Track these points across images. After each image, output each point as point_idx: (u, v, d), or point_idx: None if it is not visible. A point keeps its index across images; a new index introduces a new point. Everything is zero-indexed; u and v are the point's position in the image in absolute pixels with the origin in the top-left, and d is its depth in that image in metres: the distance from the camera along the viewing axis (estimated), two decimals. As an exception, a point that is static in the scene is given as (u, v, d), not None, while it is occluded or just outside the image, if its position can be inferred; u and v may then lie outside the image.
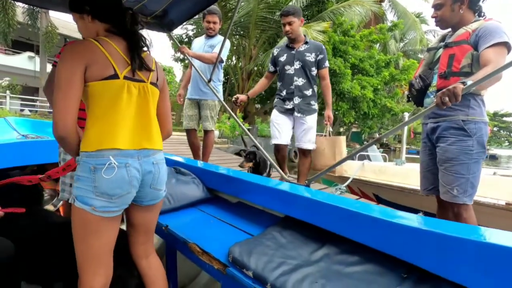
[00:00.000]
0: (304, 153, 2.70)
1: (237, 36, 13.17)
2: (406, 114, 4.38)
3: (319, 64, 2.66)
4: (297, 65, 2.62)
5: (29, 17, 12.79)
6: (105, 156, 0.97)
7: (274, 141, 2.71)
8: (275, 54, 2.74)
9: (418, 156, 2.00)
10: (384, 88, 15.78)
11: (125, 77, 1.02)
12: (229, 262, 1.13)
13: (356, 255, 1.11)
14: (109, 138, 0.99)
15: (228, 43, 2.99)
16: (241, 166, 2.74)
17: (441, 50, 1.77)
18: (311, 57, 2.60)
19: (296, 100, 2.64)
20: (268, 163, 2.83)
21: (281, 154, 2.74)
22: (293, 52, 2.64)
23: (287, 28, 2.54)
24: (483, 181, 1.67)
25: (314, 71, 2.66)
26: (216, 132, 11.20)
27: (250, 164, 2.76)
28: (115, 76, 1.00)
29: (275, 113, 2.76)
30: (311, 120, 2.70)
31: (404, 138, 4.59)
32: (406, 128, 4.75)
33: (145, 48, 1.14)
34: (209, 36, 2.91)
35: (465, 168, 1.57)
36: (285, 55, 2.66)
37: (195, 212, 1.65)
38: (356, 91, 13.22)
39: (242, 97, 2.69)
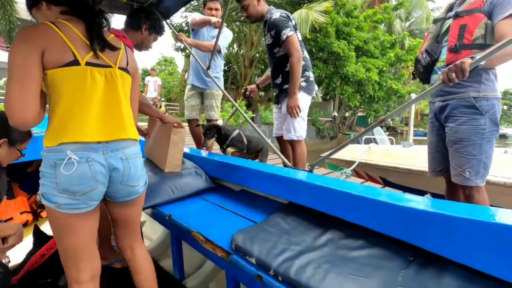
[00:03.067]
0: (291, 144, 2.32)
1: (238, 23, 12.91)
2: (413, 95, 4.25)
3: (277, 41, 2.10)
4: (270, 60, 2.31)
5: (30, 14, 12.69)
6: (64, 151, 0.89)
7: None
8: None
9: (426, 138, 1.94)
10: (390, 70, 15.44)
11: (88, 63, 0.92)
12: (232, 249, 1.12)
13: (361, 239, 1.09)
14: (70, 131, 0.90)
15: (230, 34, 2.92)
16: (205, 146, 2.42)
17: (450, 21, 1.62)
18: (269, 40, 2.17)
19: (276, 91, 2.37)
20: (261, 146, 2.65)
21: (281, 145, 2.51)
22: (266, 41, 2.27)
23: (244, 13, 2.18)
24: (494, 160, 1.61)
25: (280, 53, 2.18)
26: (220, 121, 11.15)
27: (213, 140, 2.41)
28: (75, 62, 0.89)
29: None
30: (286, 106, 2.22)
31: (411, 120, 4.49)
32: (413, 109, 4.64)
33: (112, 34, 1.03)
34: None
35: (478, 148, 1.49)
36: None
37: (199, 201, 1.65)
38: (361, 74, 12.97)
39: (251, 87, 2.50)
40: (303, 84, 2.17)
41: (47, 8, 0.97)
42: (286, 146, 2.42)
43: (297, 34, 2.09)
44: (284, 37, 2.02)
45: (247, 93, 2.50)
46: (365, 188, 1.22)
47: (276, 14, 2.08)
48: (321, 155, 2.29)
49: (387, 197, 1.08)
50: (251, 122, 2.21)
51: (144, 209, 1.53)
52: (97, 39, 0.94)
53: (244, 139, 2.48)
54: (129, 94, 1.09)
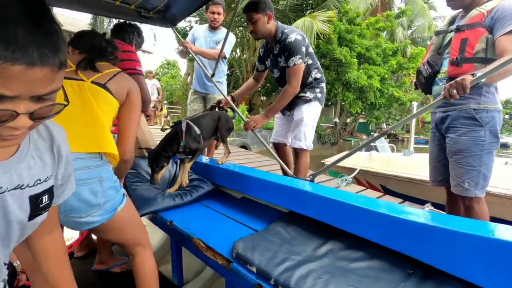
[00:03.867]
0: (297, 152, 2.26)
1: (241, 28, 13.02)
2: (415, 104, 4.28)
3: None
4: (276, 73, 2.20)
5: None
6: None
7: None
8: (261, 55, 2.28)
9: (427, 146, 1.96)
10: (392, 77, 15.50)
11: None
12: (233, 257, 1.13)
13: (361, 251, 1.10)
14: None
15: (233, 38, 2.93)
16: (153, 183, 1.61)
17: (451, 34, 1.65)
18: (282, 62, 2.07)
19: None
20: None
21: (279, 153, 2.44)
22: (271, 56, 2.18)
23: (250, 27, 1.99)
24: (494, 171, 1.62)
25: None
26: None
27: (164, 170, 1.61)
28: None
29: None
30: (299, 112, 2.18)
31: (412, 128, 4.51)
32: (413, 120, 4.67)
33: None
34: (213, 28, 2.87)
35: (477, 159, 1.51)
36: (269, 59, 2.21)
37: (200, 207, 1.66)
38: (362, 80, 13.03)
39: (224, 101, 2.20)
40: (319, 95, 2.19)
41: (72, 51, 1.15)
42: (285, 153, 2.42)
43: (308, 49, 2.05)
44: (292, 64, 1.96)
45: (221, 105, 2.19)
46: (366, 199, 1.22)
47: (292, 36, 1.95)
48: (323, 161, 2.25)
49: (388, 209, 1.09)
50: (255, 132, 2.21)
51: (144, 215, 1.54)
52: (88, 63, 1.06)
53: (195, 129, 1.70)
54: (118, 118, 1.13)
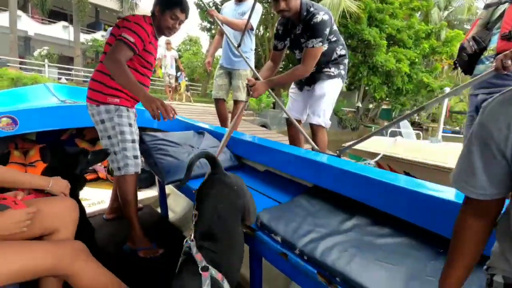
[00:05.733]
0: (314, 129, 2.13)
1: (266, 5, 12.58)
2: (447, 89, 4.03)
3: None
4: (298, 54, 2.06)
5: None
6: None
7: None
8: (280, 33, 2.08)
9: (453, 136, 1.85)
10: (422, 62, 14.65)
11: None
12: (258, 226, 1.14)
13: (389, 227, 1.08)
14: None
15: (260, 8, 2.82)
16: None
17: (505, 6, 1.50)
18: (304, 42, 1.90)
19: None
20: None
21: (291, 129, 2.30)
22: (292, 36, 2.01)
23: (283, 4, 1.75)
24: None
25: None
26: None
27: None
28: None
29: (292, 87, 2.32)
30: (322, 88, 2.05)
31: (442, 115, 4.28)
32: (445, 104, 4.42)
33: None
34: (239, 1, 2.78)
35: None
36: (289, 38, 2.05)
37: (223, 178, 1.68)
38: (390, 64, 12.41)
39: (252, 81, 1.92)
40: (342, 72, 2.10)
41: None
42: (298, 130, 2.20)
43: (332, 27, 1.91)
44: (310, 45, 1.82)
45: (249, 84, 1.93)
46: (396, 176, 1.19)
47: (319, 17, 1.78)
48: (344, 145, 2.10)
49: (419, 186, 1.05)
50: (282, 105, 2.15)
51: (170, 183, 1.59)
52: None
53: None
54: None
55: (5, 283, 0.77)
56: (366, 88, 14.90)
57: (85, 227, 1.22)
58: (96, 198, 2.09)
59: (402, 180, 1.12)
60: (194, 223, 0.97)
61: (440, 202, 0.95)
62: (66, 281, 0.90)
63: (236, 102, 2.86)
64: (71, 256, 0.89)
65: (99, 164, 2.42)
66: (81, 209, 1.24)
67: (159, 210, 2.11)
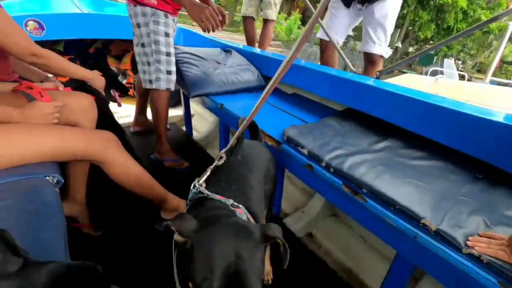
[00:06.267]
0: (369, 60, 1.90)
1: None
2: (511, 24, 3.44)
3: None
4: None
5: None
6: None
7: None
8: None
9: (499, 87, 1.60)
10: (485, -5, 12.47)
11: None
12: (284, 140, 1.12)
13: (424, 151, 1.01)
14: None
15: None
16: None
17: None
18: None
19: None
20: None
21: (325, 52, 2.04)
22: None
23: None
24: None
25: None
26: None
27: None
28: None
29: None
30: (383, 8, 1.75)
31: (496, 59, 3.77)
32: (501, 50, 3.85)
33: None
34: None
35: None
36: None
37: (251, 97, 1.62)
38: (446, -4, 10.68)
39: None
40: None
41: None
42: (333, 53, 2.00)
43: None
44: None
45: None
46: (435, 96, 1.08)
47: None
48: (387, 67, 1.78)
49: (460, 107, 0.95)
50: (338, 48, 1.82)
51: (195, 96, 1.56)
52: None
53: None
54: None
55: (40, 160, 0.82)
56: (409, 27, 13.20)
57: (116, 129, 1.25)
58: (123, 112, 2.14)
59: (442, 101, 1.01)
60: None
61: (482, 124, 0.86)
62: (100, 166, 0.95)
63: (266, 21, 2.60)
64: (103, 142, 0.92)
65: (125, 81, 2.43)
66: (110, 113, 1.26)
67: (184, 128, 2.16)
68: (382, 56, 1.82)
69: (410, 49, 16.85)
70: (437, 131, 1.00)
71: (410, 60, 1.54)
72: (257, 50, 2.08)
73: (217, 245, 0.44)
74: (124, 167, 0.96)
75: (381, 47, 1.80)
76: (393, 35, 15.23)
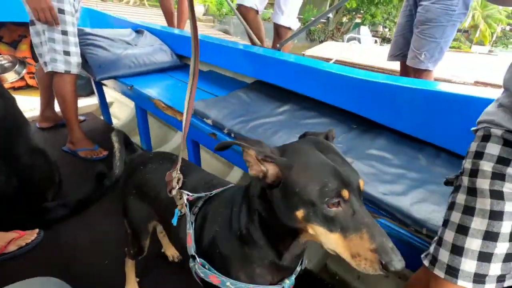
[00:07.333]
0: (278, 32, 1.89)
1: None
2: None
3: None
4: None
5: None
6: None
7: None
8: None
9: None
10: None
11: None
12: (192, 114, 1.16)
13: (315, 111, 1.15)
14: None
15: None
16: None
17: None
18: None
19: None
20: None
21: (247, 19, 1.87)
22: None
23: None
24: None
25: None
26: (201, 8, 9.71)
27: None
28: None
29: None
30: None
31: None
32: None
33: None
34: None
35: (441, 31, 1.46)
36: None
37: (164, 77, 1.61)
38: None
39: None
40: None
41: None
42: (256, 21, 1.90)
43: None
44: None
45: None
46: (326, 64, 1.22)
47: None
48: (303, 52, 1.98)
49: (341, 70, 1.10)
50: (236, 12, 1.87)
51: (103, 79, 1.49)
52: None
53: None
54: None
55: None
56: (338, -3, 13.81)
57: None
58: (27, 105, 1.93)
59: (333, 68, 1.15)
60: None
61: (353, 82, 1.03)
62: None
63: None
64: None
65: (24, 71, 2.16)
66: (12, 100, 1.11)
67: (102, 118, 2.05)
68: (289, 28, 1.86)
69: (344, 19, 17.71)
70: (324, 92, 1.14)
71: (302, 31, 1.66)
72: (170, 29, 2.02)
73: (315, 157, 0.41)
74: None
75: (288, 18, 1.83)
76: (324, 5, 15.71)
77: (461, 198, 0.49)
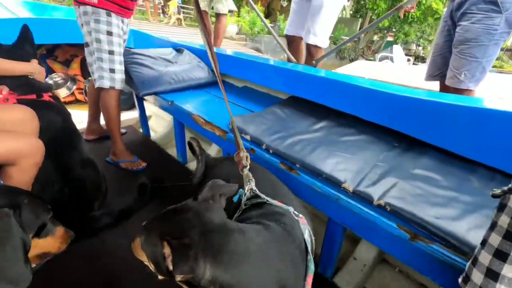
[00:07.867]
0: (308, 50, 1.98)
1: None
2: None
3: None
4: None
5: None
6: None
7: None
8: None
9: None
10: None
11: None
12: (230, 129, 1.18)
13: (354, 128, 1.12)
14: None
15: None
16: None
17: None
18: None
19: None
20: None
21: (291, 47, 2.10)
22: None
23: None
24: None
25: None
26: (235, 27, 10.22)
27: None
28: None
29: None
30: None
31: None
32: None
33: None
34: None
35: (482, 50, 1.40)
36: None
37: (201, 93, 1.67)
38: (398, -15, 11.23)
39: None
40: None
41: None
42: (298, 50, 2.10)
43: None
44: None
45: None
46: (364, 80, 1.20)
47: None
48: (334, 70, 2.00)
49: (380, 86, 1.08)
50: (270, 28, 1.99)
51: (146, 95, 1.58)
52: None
53: None
54: None
55: None
56: (372, 15, 13.76)
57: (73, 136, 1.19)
58: (76, 119, 2.08)
59: (366, 83, 1.14)
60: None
61: (396, 99, 0.99)
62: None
63: (218, 15, 2.62)
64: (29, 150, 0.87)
65: (74, 87, 2.36)
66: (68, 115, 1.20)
67: (141, 130, 2.16)
68: (318, 47, 1.88)
69: (375, 37, 17.53)
70: (364, 109, 1.11)
71: (337, 49, 1.68)
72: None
73: None
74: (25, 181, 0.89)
75: (316, 37, 1.86)
76: (355, 24, 15.73)
77: (504, 220, 0.45)
